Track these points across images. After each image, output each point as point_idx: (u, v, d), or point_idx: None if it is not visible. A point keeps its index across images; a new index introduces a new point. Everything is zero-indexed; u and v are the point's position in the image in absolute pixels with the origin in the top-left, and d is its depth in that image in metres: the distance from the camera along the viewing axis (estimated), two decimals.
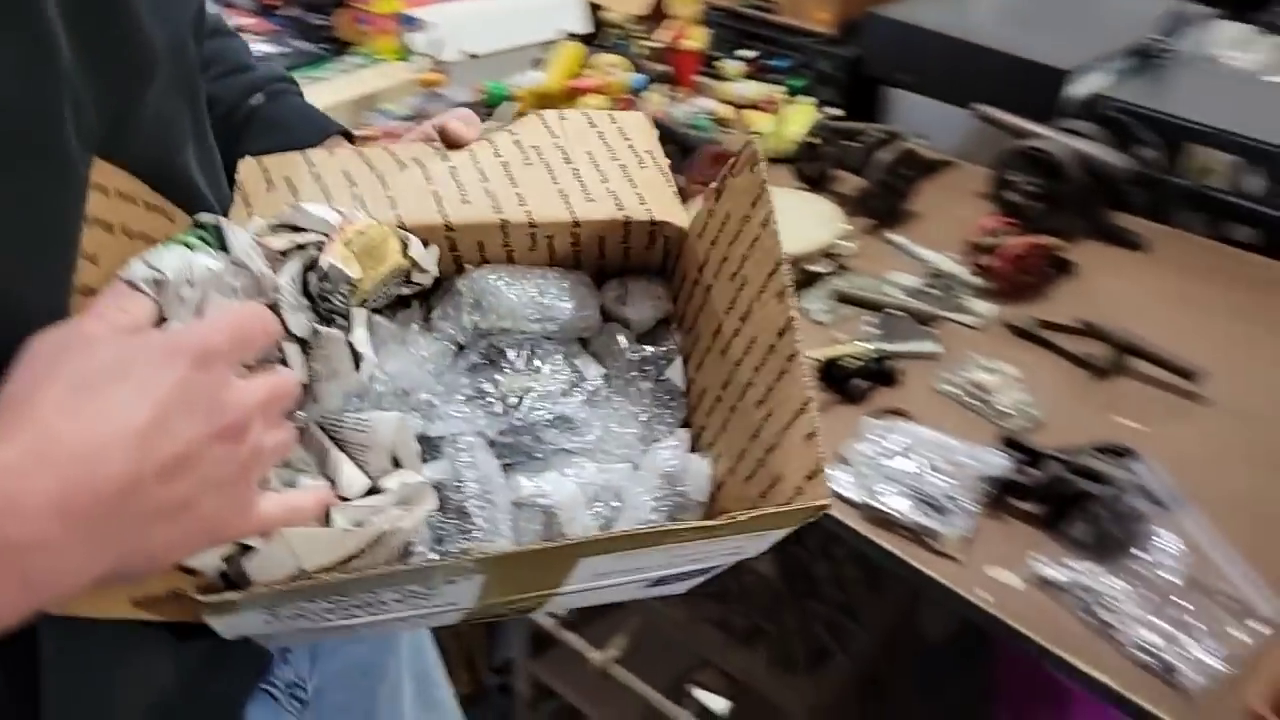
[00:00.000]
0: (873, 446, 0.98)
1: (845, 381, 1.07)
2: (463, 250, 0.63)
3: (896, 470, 0.95)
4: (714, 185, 0.62)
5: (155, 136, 0.50)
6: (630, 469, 0.63)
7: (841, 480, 0.97)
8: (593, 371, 0.65)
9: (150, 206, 0.50)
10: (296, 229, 0.52)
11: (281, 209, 0.54)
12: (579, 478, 0.60)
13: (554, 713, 1.64)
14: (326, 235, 0.52)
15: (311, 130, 0.72)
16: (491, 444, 0.61)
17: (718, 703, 1.27)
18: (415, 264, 0.57)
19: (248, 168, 0.60)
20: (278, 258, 0.50)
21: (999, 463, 0.93)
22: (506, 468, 0.61)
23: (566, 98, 1.55)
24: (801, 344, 0.54)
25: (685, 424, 0.66)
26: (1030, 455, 0.94)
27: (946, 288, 1.21)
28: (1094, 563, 0.86)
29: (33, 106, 0.41)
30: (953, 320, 1.19)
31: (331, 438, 0.51)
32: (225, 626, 0.48)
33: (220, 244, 0.47)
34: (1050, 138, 1.33)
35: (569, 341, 0.66)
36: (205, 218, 0.49)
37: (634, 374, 0.66)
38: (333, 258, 0.51)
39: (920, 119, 1.59)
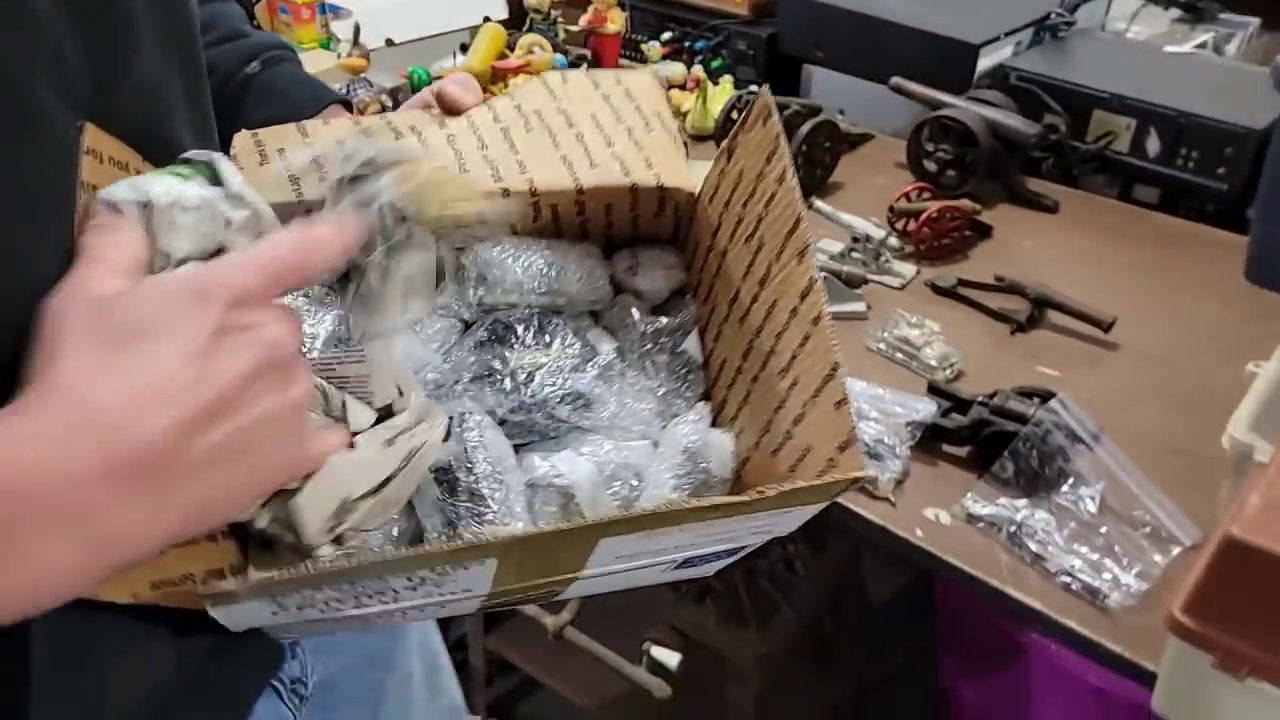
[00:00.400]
0: None
1: None
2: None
3: None
4: (724, 144, 0.60)
5: (145, 100, 0.48)
6: (649, 446, 0.61)
7: None
8: (605, 346, 0.63)
9: (141, 172, 0.47)
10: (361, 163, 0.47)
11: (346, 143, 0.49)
12: (595, 456, 0.58)
13: (513, 688, 1.64)
14: (395, 167, 0.47)
15: (308, 99, 0.71)
16: (502, 423, 0.59)
17: (670, 657, 1.29)
18: (482, 220, 0.50)
19: (242, 141, 0.58)
20: (337, 186, 0.47)
21: (927, 409, 0.97)
22: (519, 448, 0.59)
23: (491, 80, 1.55)
24: (825, 304, 0.51)
25: (705, 397, 0.64)
26: (956, 401, 0.98)
27: (871, 252, 1.26)
28: (1021, 498, 0.90)
29: (2, 57, 0.38)
30: (878, 282, 1.23)
31: (328, 380, 0.50)
32: (229, 618, 0.46)
33: (214, 180, 0.44)
34: (962, 107, 1.38)
35: (579, 315, 0.64)
36: (196, 154, 0.45)
37: (649, 347, 0.63)
38: (392, 194, 0.46)
39: (838, 94, 1.63)
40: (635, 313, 0.63)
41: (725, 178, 0.60)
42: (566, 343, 0.61)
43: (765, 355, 0.56)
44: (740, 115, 1.48)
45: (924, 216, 1.26)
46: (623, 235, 0.65)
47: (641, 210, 0.62)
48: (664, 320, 0.64)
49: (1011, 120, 1.37)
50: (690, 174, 0.62)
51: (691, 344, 0.65)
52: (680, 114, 1.67)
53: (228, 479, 0.38)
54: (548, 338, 0.61)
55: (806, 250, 0.51)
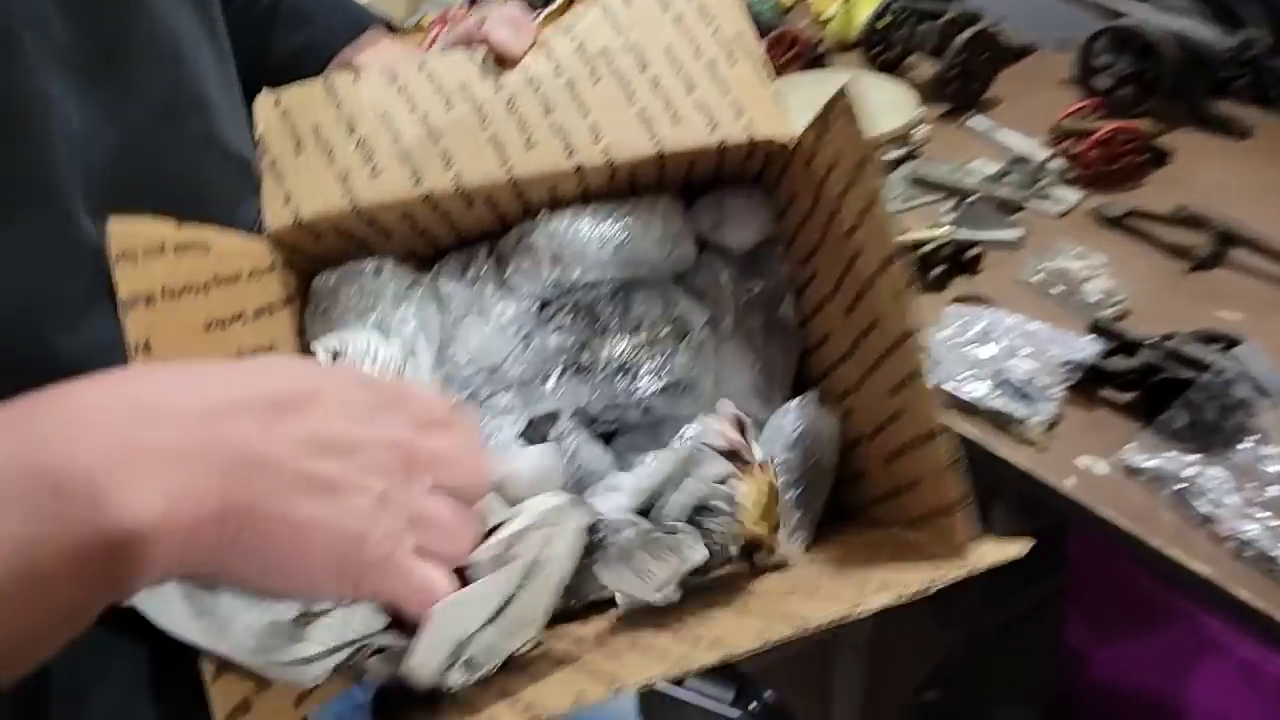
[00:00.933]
0: (952, 332, 0.93)
1: (923, 267, 1.02)
2: (532, 198, 0.55)
3: (977, 356, 0.91)
4: (814, 121, 0.52)
5: (162, 50, 0.44)
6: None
7: None
8: (696, 318, 0.58)
9: (180, 248, 0.44)
10: None
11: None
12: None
13: None
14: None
15: (344, 21, 0.64)
16: (593, 420, 0.56)
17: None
18: None
19: (265, 111, 0.52)
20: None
21: (1089, 348, 0.88)
22: (608, 438, 0.56)
23: None
24: (923, 363, 0.45)
25: (801, 362, 0.60)
26: (1122, 342, 0.88)
27: (1029, 175, 1.15)
28: (1192, 453, 0.81)
29: None
30: (1036, 208, 1.12)
31: None
32: None
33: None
34: (1143, 16, 1.24)
35: (664, 283, 0.59)
36: (400, 321, 0.48)
37: (741, 313, 0.59)
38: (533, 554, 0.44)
39: (1003, 1, 1.49)
40: (725, 277, 0.58)
41: (821, 152, 0.52)
42: (654, 322, 0.56)
43: (870, 367, 0.51)
44: (883, 27, 1.37)
45: (1094, 137, 1.14)
46: (704, 182, 0.59)
47: (727, 161, 0.56)
48: (758, 285, 0.58)
49: (1203, 32, 1.22)
50: (783, 115, 0.55)
51: (787, 308, 0.59)
52: (820, 21, 1.56)
53: (310, 509, 0.35)
54: (634, 319, 0.56)
55: (904, 293, 0.46)
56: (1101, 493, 0.80)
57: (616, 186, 0.56)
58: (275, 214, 0.50)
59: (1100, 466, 0.82)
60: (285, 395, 0.35)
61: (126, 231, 0.40)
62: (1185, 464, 0.80)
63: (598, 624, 0.49)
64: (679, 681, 1.52)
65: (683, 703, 1.51)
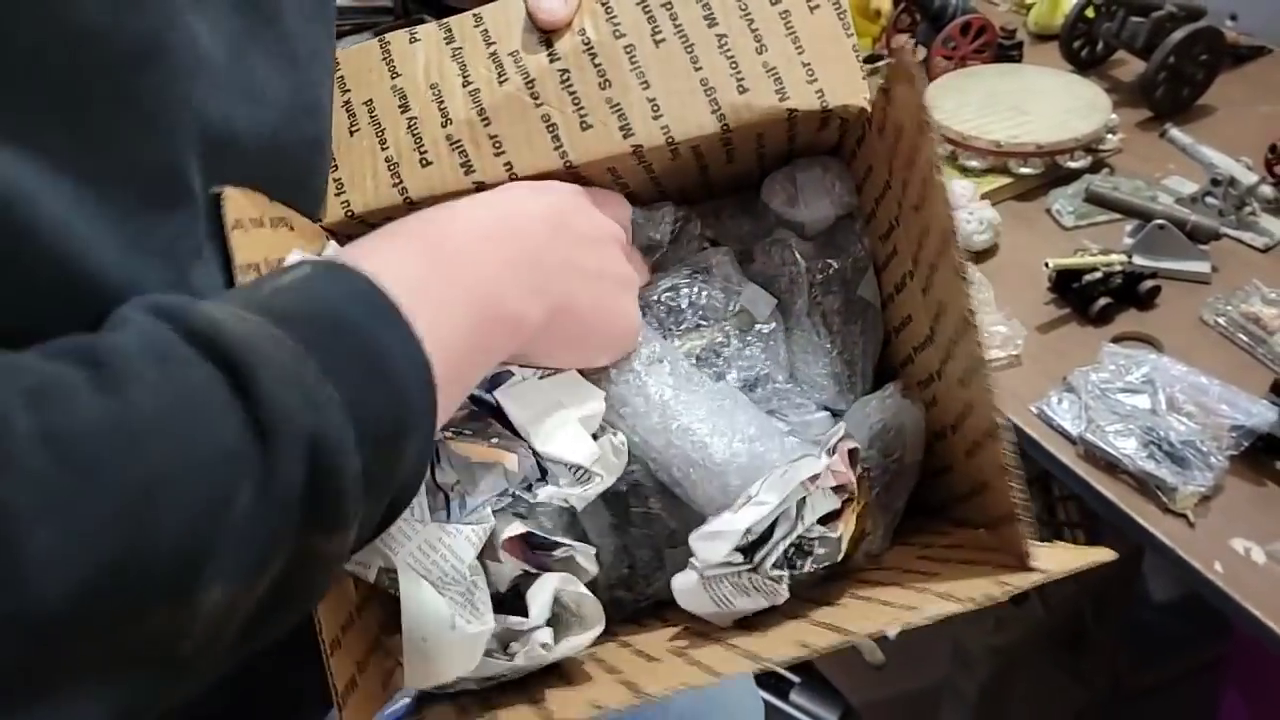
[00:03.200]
0: (1108, 375, 0.84)
1: (1086, 296, 0.92)
2: (591, 179, 0.52)
3: (1131, 406, 0.81)
4: (880, 87, 0.49)
5: (285, 53, 0.43)
6: (827, 419, 0.54)
7: (1061, 410, 0.83)
8: (763, 308, 0.55)
9: (275, 221, 0.44)
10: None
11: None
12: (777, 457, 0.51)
13: None
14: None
15: None
16: None
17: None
18: None
19: None
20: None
21: (1264, 414, 0.76)
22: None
23: None
24: (984, 355, 0.43)
25: (884, 344, 0.56)
26: None
27: (1234, 199, 1.01)
28: None
29: None
30: (1233, 238, 0.99)
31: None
32: None
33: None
34: None
35: (727, 268, 0.56)
36: None
37: (818, 296, 0.55)
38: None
39: None
40: (799, 257, 0.54)
41: (890, 117, 0.48)
42: (720, 315, 0.54)
43: (945, 353, 0.48)
44: (1087, 16, 1.24)
45: None
46: (777, 156, 0.55)
47: (800, 130, 0.52)
48: (834, 264, 0.55)
49: None
50: (862, 79, 0.50)
51: (868, 287, 0.55)
52: (1023, 7, 1.43)
53: (588, 291, 0.45)
54: (700, 311, 0.54)
55: (963, 272, 0.43)
56: (1253, 584, 0.70)
57: (681, 165, 0.52)
58: (327, 205, 0.50)
59: (1257, 553, 0.72)
60: (555, 213, 0.46)
61: (239, 201, 0.41)
62: None
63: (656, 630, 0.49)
64: (785, 695, 1.48)
65: (786, 715, 1.47)
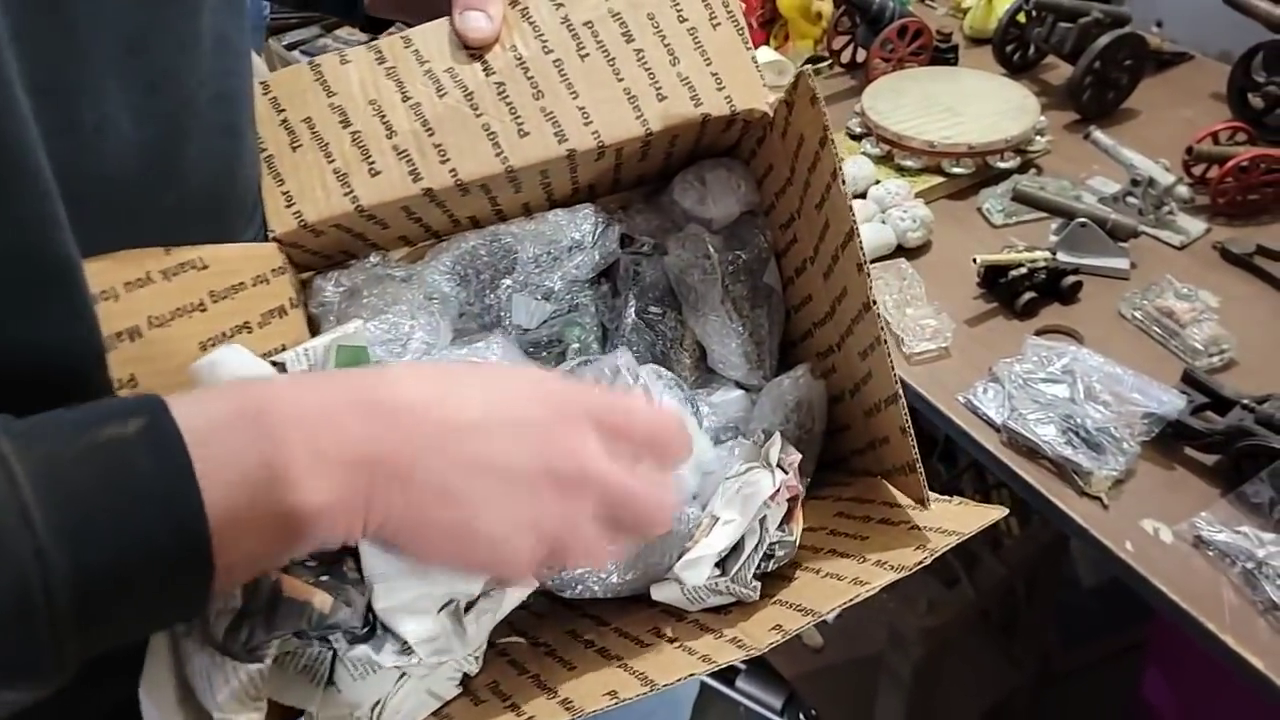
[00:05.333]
0: (1031, 366, 0.88)
1: (1012, 291, 0.96)
2: (526, 189, 0.55)
3: (1051, 395, 0.85)
4: (783, 98, 0.54)
5: (204, 41, 0.43)
6: (744, 398, 0.59)
7: (987, 399, 0.87)
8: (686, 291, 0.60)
9: (167, 273, 0.43)
10: None
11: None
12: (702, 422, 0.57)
13: None
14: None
15: None
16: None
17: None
18: None
19: (255, 100, 0.51)
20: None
21: (1173, 402, 0.81)
22: None
23: None
24: (883, 334, 0.50)
25: (786, 319, 0.62)
26: (1214, 398, 0.81)
27: (1152, 199, 1.06)
28: (1269, 530, 0.74)
29: None
30: (1152, 235, 1.04)
31: None
32: None
33: None
34: None
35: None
36: None
37: (728, 283, 0.60)
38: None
39: (1160, 2, 1.38)
40: (713, 250, 0.59)
41: (791, 127, 0.54)
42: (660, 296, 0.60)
43: (845, 330, 0.54)
44: (1019, 21, 1.28)
45: (1230, 164, 1.04)
46: (684, 157, 0.61)
47: (707, 132, 0.57)
48: (742, 256, 0.60)
49: None
50: (762, 85, 0.55)
51: (771, 274, 0.61)
52: (959, 11, 1.47)
53: (487, 493, 0.37)
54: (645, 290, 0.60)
55: (864, 267, 0.49)
56: (1161, 562, 0.74)
57: (603, 166, 0.57)
58: (278, 216, 0.51)
59: (1165, 533, 0.76)
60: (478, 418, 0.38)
61: (102, 269, 0.40)
62: (1261, 543, 0.73)
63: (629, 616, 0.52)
64: (731, 682, 1.51)
65: (733, 702, 1.50)
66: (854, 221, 0.49)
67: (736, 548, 0.49)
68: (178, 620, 0.36)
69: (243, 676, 0.39)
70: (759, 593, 0.50)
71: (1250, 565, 0.72)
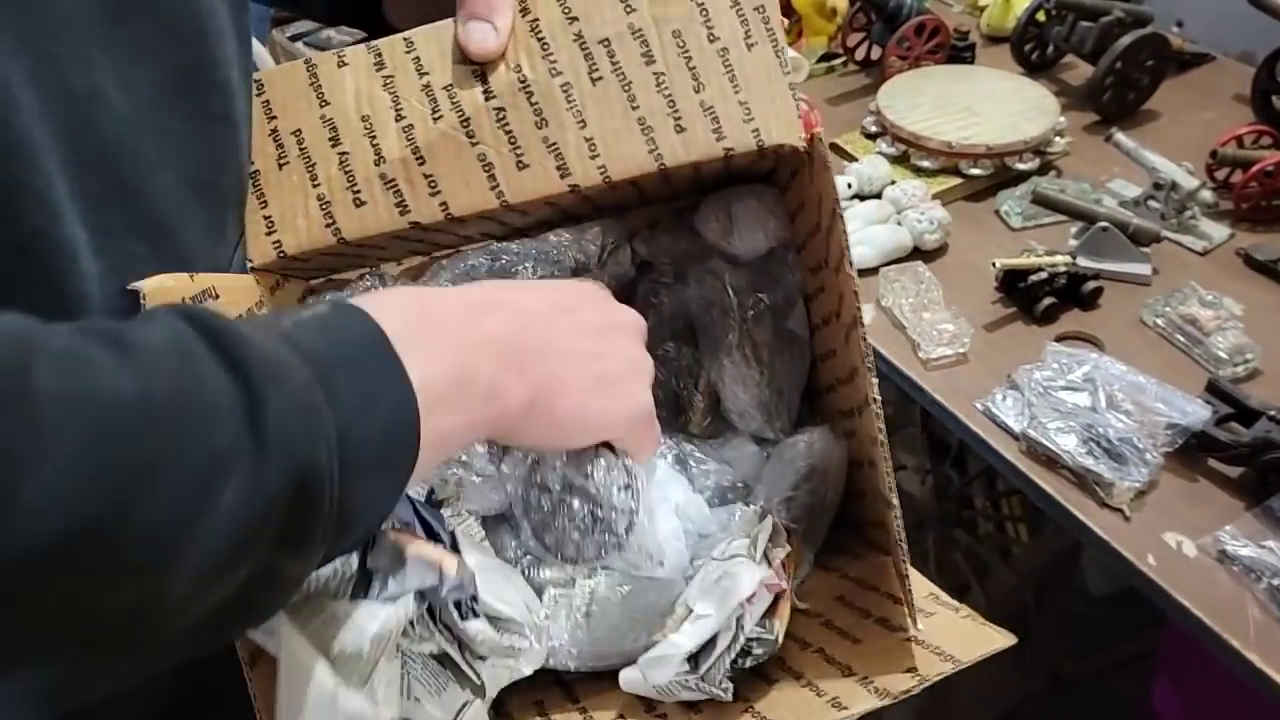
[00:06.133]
0: (1051, 373, 0.86)
1: (1031, 296, 0.94)
2: (528, 213, 0.51)
3: (1072, 404, 0.83)
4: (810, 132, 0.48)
5: (186, 26, 0.42)
6: (758, 455, 0.56)
7: (1006, 407, 0.85)
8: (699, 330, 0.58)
9: (195, 298, 0.42)
10: None
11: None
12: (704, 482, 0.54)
13: None
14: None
15: None
16: None
17: None
18: None
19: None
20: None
21: (1197, 413, 0.79)
22: None
23: None
24: (881, 437, 0.46)
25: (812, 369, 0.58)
26: (1239, 409, 0.79)
27: (1174, 203, 1.04)
28: None
29: None
30: (1175, 241, 1.02)
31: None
32: None
33: None
34: None
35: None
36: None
37: (747, 326, 0.56)
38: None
39: (1181, 2, 1.36)
40: (731, 292, 0.54)
41: (813, 184, 0.50)
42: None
43: (864, 400, 0.48)
44: (1039, 20, 1.26)
45: (1255, 168, 1.02)
46: (714, 180, 0.55)
47: (736, 162, 0.50)
48: (765, 299, 0.55)
49: None
50: (797, 117, 0.48)
51: (798, 319, 0.57)
52: (977, 9, 1.45)
53: (581, 375, 0.43)
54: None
55: (868, 362, 0.46)
56: (1184, 576, 0.73)
57: (620, 196, 0.53)
58: (258, 244, 0.49)
59: (1188, 546, 0.74)
60: (557, 301, 0.45)
61: (158, 287, 0.40)
62: None
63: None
64: None
65: None
66: (858, 311, 0.46)
67: (710, 643, 0.46)
68: (383, 510, 0.37)
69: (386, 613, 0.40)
70: (731, 694, 0.45)
71: (1276, 581, 0.71)
